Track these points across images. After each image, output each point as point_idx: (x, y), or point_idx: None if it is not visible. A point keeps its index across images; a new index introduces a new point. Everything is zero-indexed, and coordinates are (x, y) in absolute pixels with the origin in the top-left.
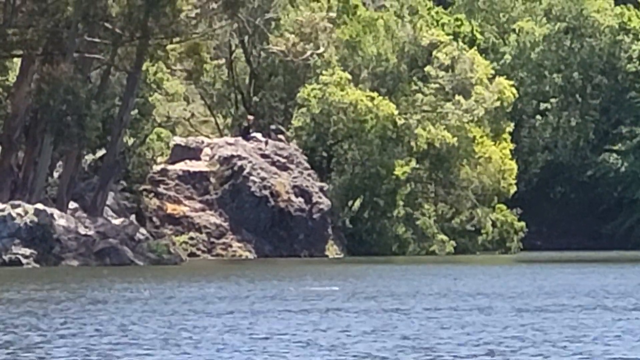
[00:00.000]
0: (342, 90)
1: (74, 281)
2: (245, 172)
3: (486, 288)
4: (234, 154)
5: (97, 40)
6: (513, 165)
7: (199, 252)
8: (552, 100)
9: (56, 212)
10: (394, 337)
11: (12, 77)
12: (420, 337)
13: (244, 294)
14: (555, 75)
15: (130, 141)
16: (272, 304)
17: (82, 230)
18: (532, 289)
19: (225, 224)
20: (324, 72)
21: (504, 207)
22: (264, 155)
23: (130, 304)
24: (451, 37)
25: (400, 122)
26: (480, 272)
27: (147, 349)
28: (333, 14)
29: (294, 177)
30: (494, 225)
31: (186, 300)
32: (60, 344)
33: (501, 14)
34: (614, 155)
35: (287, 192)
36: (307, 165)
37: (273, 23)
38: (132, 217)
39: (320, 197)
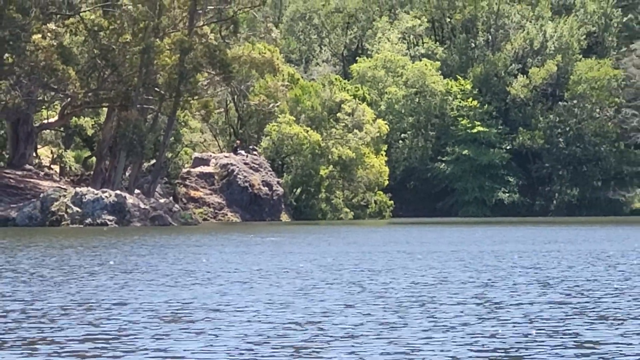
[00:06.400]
0: (290, 126)
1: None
2: (235, 173)
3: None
4: (229, 162)
5: (150, 97)
6: (386, 169)
7: (208, 218)
8: (408, 132)
9: (127, 195)
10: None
11: (102, 118)
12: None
13: (234, 239)
14: (409, 118)
15: (169, 155)
16: (245, 244)
17: (142, 205)
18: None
19: (224, 202)
20: (279, 116)
21: (381, 192)
22: (245, 163)
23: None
24: (352, 96)
25: (323, 144)
26: (360, 230)
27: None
28: (285, 83)
29: (263, 176)
30: (375, 203)
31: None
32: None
33: (379, 83)
34: (443, 164)
35: (259, 184)
36: (270, 169)
37: (251, 88)
38: (171, 198)
39: (277, 187)
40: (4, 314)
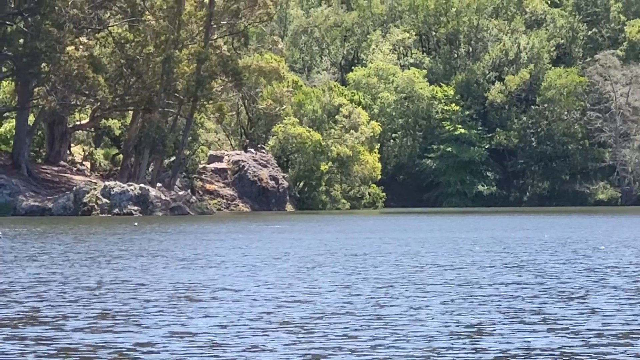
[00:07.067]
0: (294, 127)
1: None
2: (245, 168)
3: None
4: (240, 159)
5: (171, 102)
6: (379, 165)
7: (222, 208)
8: (398, 132)
9: (150, 188)
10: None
11: (127, 120)
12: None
13: (244, 226)
14: (400, 119)
15: (187, 152)
16: (254, 229)
17: (163, 197)
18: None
19: (235, 194)
20: (285, 118)
21: (374, 185)
22: (255, 160)
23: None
24: (349, 101)
25: (323, 143)
26: (352, 218)
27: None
28: (290, 89)
29: (270, 171)
30: (369, 195)
31: (228, 230)
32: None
33: (373, 89)
34: (429, 160)
35: (266, 178)
36: (276, 164)
37: (260, 93)
38: (189, 191)
39: (283, 181)
40: (37, 292)
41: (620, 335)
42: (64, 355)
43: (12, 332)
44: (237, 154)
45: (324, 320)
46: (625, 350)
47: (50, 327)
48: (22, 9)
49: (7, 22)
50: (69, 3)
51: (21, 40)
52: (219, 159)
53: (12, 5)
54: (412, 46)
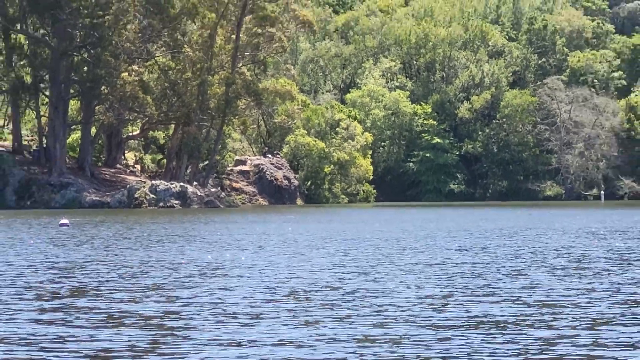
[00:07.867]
0: (303, 137)
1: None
2: (264, 170)
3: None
4: (260, 163)
5: (205, 117)
6: (371, 167)
7: (245, 202)
8: (386, 141)
9: (188, 186)
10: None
11: (170, 132)
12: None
13: (263, 216)
14: (387, 131)
15: (218, 158)
16: (269, 217)
17: (199, 193)
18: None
19: (256, 191)
20: (296, 130)
21: (367, 184)
22: (272, 163)
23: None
24: (347, 116)
25: (326, 150)
26: (349, 210)
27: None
28: (300, 107)
29: (284, 172)
30: (363, 191)
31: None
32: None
33: (366, 107)
34: (411, 164)
35: (281, 178)
36: (289, 167)
37: (276, 110)
38: (219, 188)
39: (294, 180)
40: (93, 270)
41: (558, 304)
42: (110, 321)
43: (70, 302)
44: (258, 159)
45: (319, 292)
46: (561, 313)
47: (100, 297)
48: (86, 42)
49: (75, 54)
50: (124, 38)
51: (85, 68)
52: (243, 162)
53: (78, 40)
54: (398, 72)
